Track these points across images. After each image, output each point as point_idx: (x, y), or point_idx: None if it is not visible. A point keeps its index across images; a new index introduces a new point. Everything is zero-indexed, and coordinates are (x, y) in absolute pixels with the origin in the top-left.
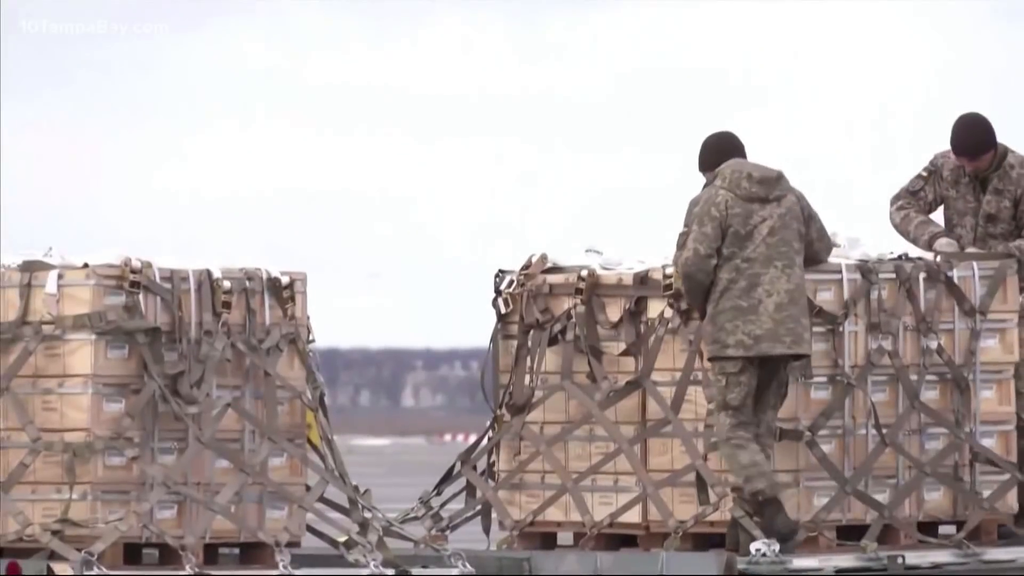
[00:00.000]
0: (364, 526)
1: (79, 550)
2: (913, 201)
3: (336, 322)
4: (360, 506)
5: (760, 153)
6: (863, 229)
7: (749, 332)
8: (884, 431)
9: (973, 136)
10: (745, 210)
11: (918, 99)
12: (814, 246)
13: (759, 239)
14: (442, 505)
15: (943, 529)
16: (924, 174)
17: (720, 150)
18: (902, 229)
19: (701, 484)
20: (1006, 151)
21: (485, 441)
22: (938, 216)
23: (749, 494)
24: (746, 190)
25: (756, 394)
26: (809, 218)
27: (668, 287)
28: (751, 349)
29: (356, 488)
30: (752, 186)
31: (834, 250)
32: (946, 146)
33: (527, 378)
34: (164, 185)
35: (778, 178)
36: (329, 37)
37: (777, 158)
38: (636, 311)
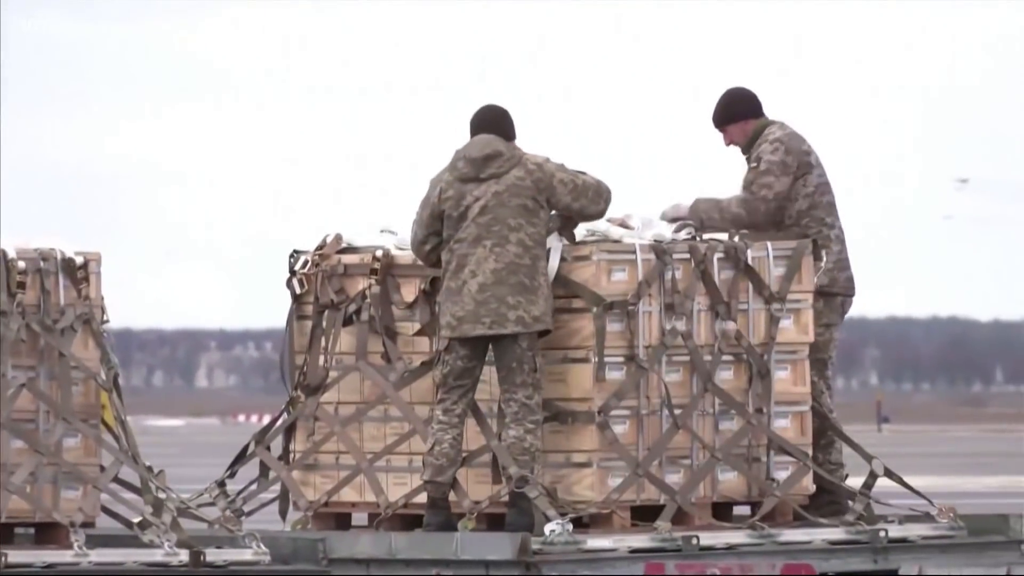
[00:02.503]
0: (158, 507)
1: None
2: None
3: (130, 302)
4: (154, 487)
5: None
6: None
7: (454, 313)
8: (677, 412)
9: (714, 110)
10: (458, 192)
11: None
12: (572, 207)
13: (470, 219)
14: (241, 492)
15: (738, 510)
16: None
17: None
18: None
19: (496, 464)
20: (768, 124)
21: (280, 422)
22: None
23: (422, 480)
24: (460, 171)
25: (499, 374)
26: (549, 188)
27: None
28: (455, 330)
29: (150, 469)
30: (465, 166)
31: (628, 232)
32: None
33: (322, 359)
34: None
35: (491, 157)
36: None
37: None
38: (431, 291)
